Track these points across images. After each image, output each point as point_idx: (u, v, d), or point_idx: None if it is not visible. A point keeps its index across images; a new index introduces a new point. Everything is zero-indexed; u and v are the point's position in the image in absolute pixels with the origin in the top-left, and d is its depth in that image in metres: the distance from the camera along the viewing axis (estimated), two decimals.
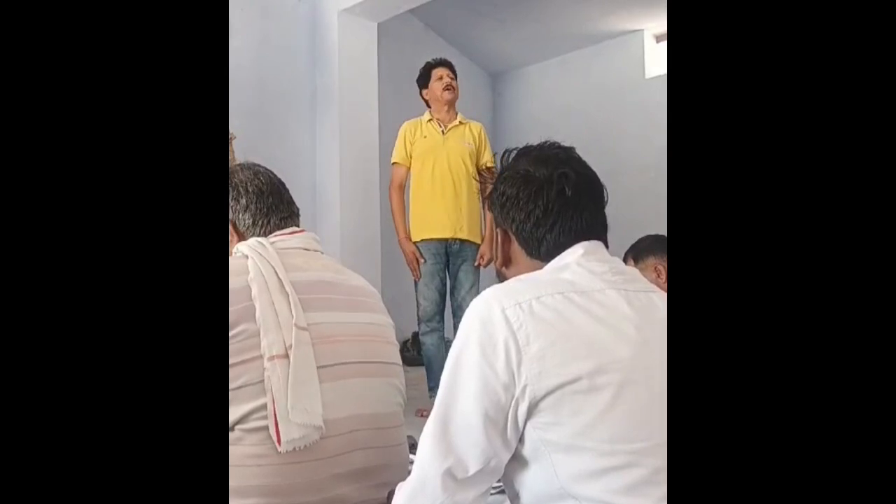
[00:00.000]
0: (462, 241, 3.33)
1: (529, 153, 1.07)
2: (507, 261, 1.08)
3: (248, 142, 3.42)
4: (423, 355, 3.37)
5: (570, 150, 1.07)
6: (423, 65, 3.51)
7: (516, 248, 1.05)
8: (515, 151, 1.09)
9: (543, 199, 1.01)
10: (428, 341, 3.31)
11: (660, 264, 2.37)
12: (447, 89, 3.38)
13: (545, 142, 1.10)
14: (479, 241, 3.36)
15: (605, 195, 1.07)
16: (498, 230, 1.08)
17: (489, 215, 3.30)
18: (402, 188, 3.40)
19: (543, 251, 1.02)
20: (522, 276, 0.98)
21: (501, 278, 1.08)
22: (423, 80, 3.47)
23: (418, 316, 3.36)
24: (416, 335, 3.81)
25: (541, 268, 1.02)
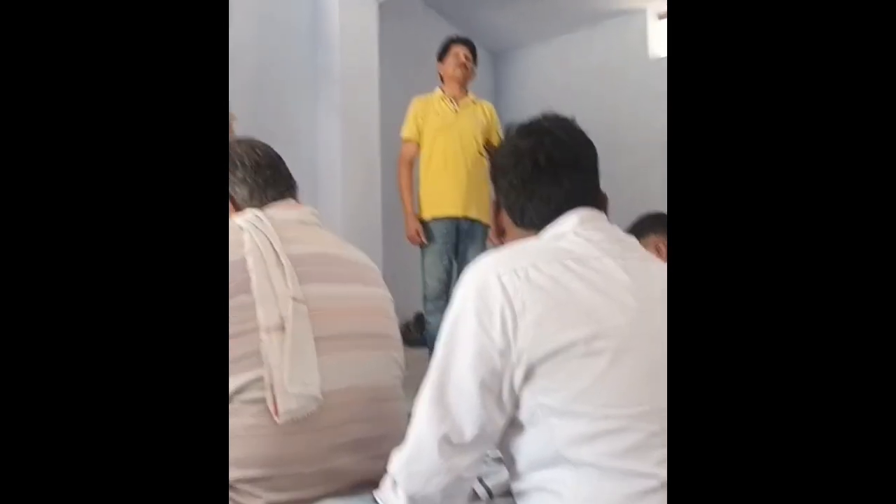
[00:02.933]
0: (472, 220, 3.32)
1: (522, 126, 1.09)
2: (500, 230, 1.11)
3: (248, 121, 3.39)
4: (427, 334, 3.35)
5: (556, 120, 1.08)
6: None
7: (505, 218, 1.09)
8: (517, 126, 1.11)
9: (520, 170, 1.04)
10: (434, 321, 3.28)
11: (660, 242, 2.36)
12: (459, 66, 3.39)
13: (541, 113, 1.10)
14: (488, 222, 3.35)
15: (593, 162, 1.06)
16: (493, 201, 1.12)
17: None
18: (412, 165, 3.38)
19: (527, 220, 1.04)
20: (518, 244, 0.99)
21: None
22: (442, 54, 3.49)
23: (424, 295, 3.33)
24: (418, 316, 3.79)
25: (530, 237, 1.03)
